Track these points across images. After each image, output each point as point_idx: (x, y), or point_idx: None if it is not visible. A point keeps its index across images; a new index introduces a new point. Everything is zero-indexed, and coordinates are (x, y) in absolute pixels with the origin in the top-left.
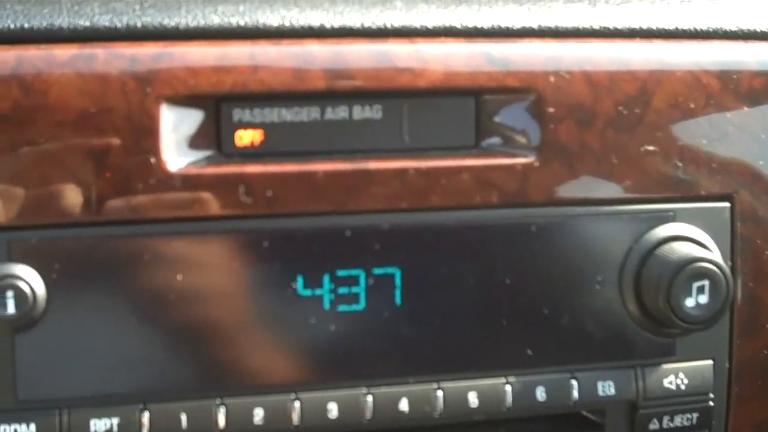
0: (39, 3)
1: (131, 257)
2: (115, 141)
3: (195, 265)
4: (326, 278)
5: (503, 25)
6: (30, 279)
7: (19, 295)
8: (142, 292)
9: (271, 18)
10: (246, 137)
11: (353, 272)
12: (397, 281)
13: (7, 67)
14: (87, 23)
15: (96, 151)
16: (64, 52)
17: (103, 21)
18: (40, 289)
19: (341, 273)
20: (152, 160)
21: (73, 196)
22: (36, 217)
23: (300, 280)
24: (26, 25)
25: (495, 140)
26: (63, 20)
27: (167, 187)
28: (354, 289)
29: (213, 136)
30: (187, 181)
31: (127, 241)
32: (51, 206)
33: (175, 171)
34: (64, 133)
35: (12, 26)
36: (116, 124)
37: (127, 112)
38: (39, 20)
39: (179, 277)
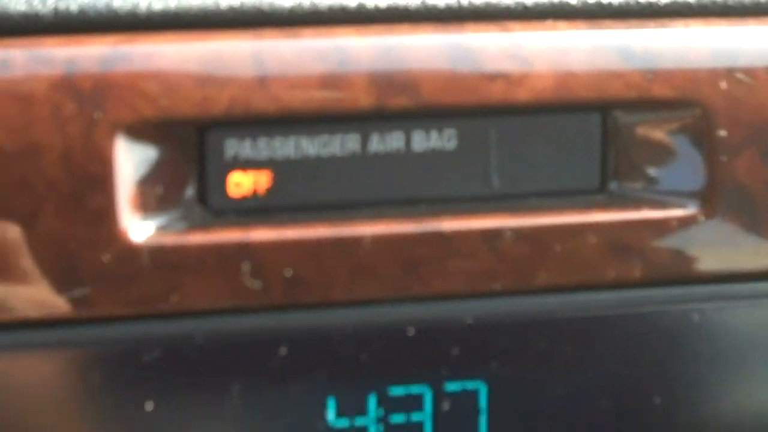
0: None
1: (75, 377)
2: (47, 197)
3: (174, 389)
4: (372, 401)
5: None
6: None
7: None
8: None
9: None
10: (245, 183)
11: (413, 390)
12: (482, 402)
13: None
14: None
15: (16, 214)
16: None
17: (20, 5)
18: None
19: (395, 392)
20: (105, 225)
21: None
22: None
23: (332, 405)
24: None
25: (632, 182)
26: None
27: (129, 267)
28: (415, 417)
29: (194, 184)
30: (161, 257)
31: (68, 352)
32: None
33: (140, 242)
34: None
35: None
36: (48, 170)
37: (65, 152)
38: None
39: (149, 406)
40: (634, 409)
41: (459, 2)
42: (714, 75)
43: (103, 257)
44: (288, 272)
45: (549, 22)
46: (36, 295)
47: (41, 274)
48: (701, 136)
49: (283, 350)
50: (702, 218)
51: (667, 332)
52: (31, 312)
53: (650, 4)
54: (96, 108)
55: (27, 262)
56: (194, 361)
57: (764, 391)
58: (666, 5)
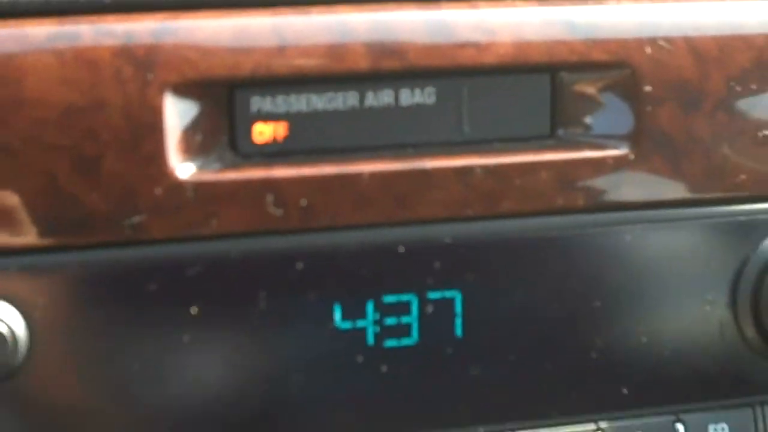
0: None
1: (133, 288)
2: (110, 143)
3: (213, 296)
4: (370, 306)
5: None
6: (8, 318)
7: None
8: (147, 331)
9: None
10: (267, 132)
11: (403, 298)
12: (458, 308)
13: None
14: None
15: (86, 156)
16: (39, 31)
17: None
18: (21, 330)
19: (388, 299)
20: (157, 165)
21: (59, 213)
22: (12, 240)
23: (338, 310)
24: None
25: (575, 128)
26: None
27: (176, 198)
28: (404, 319)
29: (226, 132)
30: (202, 191)
31: (128, 268)
32: (31, 226)
33: (186, 178)
34: (44, 135)
35: None
36: (110, 121)
37: (124, 106)
38: None
39: (194, 311)
40: (579, 311)
41: None
42: (641, 42)
43: (155, 191)
44: (303, 202)
45: (509, 0)
46: (102, 223)
47: (106, 205)
48: (631, 91)
49: (299, 265)
50: (632, 157)
51: (604, 249)
52: (98, 236)
53: None
54: (149, 71)
55: (94, 195)
56: (229, 274)
57: (679, 294)
58: None
